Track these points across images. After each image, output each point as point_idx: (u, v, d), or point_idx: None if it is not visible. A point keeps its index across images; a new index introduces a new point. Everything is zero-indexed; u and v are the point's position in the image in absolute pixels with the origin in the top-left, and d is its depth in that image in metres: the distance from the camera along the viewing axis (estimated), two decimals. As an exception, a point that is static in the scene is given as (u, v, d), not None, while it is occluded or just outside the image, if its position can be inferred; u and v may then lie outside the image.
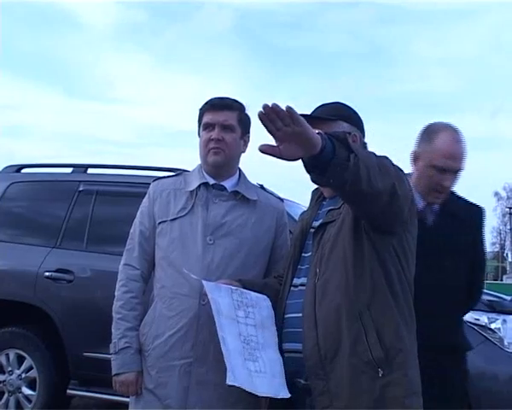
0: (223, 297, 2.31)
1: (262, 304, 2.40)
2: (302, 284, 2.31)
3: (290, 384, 2.26)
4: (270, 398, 2.27)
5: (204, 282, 2.35)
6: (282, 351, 2.32)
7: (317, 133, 1.81)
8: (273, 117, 1.72)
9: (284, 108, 1.71)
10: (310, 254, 2.33)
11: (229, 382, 2.11)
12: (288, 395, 2.21)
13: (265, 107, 1.71)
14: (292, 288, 2.36)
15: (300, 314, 2.24)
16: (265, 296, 2.43)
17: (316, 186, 2.53)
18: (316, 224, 2.38)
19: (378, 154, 2.08)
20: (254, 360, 2.23)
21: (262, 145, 1.80)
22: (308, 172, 1.86)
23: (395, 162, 2.13)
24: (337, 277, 2.17)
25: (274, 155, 1.80)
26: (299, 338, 2.23)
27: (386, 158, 2.10)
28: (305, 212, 2.56)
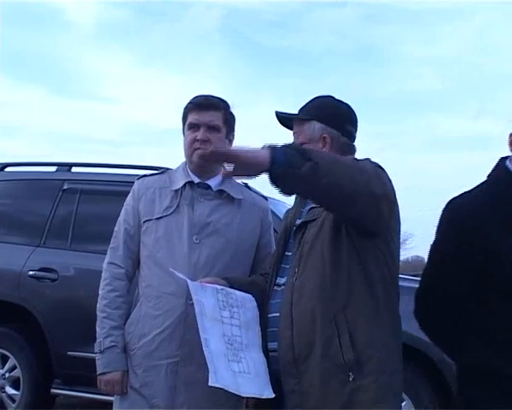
0: (207, 298, 2.30)
1: (247, 305, 2.39)
2: (284, 284, 2.31)
3: (275, 383, 2.26)
4: (257, 397, 2.27)
5: (189, 282, 2.33)
6: (267, 350, 2.33)
7: (269, 147, 1.90)
8: (213, 159, 1.99)
9: (212, 152, 1.95)
10: (292, 253, 2.34)
11: (211, 383, 2.11)
12: (273, 395, 2.21)
13: (202, 156, 2.04)
14: (275, 287, 2.36)
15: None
16: (251, 296, 2.42)
17: None
18: (298, 222, 2.38)
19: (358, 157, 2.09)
20: (238, 361, 2.23)
21: (223, 173, 2.03)
22: (271, 183, 1.95)
23: (377, 163, 2.14)
24: (314, 279, 2.17)
25: (237, 175, 2.01)
26: None
27: (365, 160, 2.11)
28: (289, 210, 2.57)
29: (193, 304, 2.43)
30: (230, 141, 2.76)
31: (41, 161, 5.97)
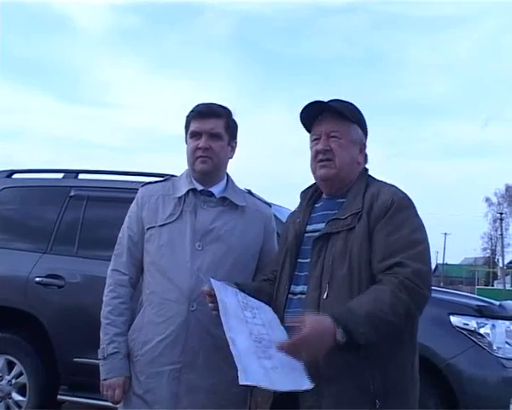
0: (229, 298, 2.27)
1: (264, 308, 2.36)
2: (302, 293, 2.28)
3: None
4: (273, 399, 2.24)
5: (212, 280, 2.31)
6: None
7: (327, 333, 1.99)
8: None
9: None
10: (308, 260, 2.29)
11: (241, 382, 2.01)
12: (311, 386, 2.11)
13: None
14: (290, 295, 2.33)
15: None
16: (264, 303, 2.39)
17: (305, 187, 2.52)
18: (310, 228, 2.36)
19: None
20: (269, 358, 2.13)
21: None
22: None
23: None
24: (344, 297, 2.13)
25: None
26: None
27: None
28: (294, 213, 2.54)
29: (194, 311, 2.44)
30: (233, 148, 2.77)
31: (48, 167, 6.00)
